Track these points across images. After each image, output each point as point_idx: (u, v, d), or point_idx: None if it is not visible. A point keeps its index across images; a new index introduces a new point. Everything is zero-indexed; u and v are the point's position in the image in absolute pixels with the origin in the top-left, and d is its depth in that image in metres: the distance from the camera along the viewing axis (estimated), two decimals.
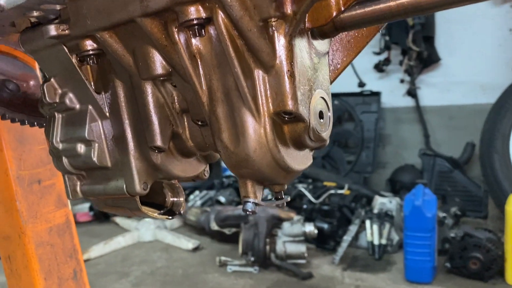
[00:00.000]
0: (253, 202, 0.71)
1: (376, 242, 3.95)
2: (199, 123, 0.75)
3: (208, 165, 0.94)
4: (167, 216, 0.90)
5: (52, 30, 0.71)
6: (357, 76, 5.59)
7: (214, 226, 4.32)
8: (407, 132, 5.58)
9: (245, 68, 0.63)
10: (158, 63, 0.70)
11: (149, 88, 0.74)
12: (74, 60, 0.76)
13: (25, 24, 0.79)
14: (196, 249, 4.33)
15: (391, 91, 5.54)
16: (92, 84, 0.79)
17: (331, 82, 0.76)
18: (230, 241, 4.31)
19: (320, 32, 0.67)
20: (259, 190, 0.72)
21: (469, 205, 4.59)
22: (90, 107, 0.80)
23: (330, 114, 0.72)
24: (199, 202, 5.23)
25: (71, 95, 0.81)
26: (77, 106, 0.81)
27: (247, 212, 0.71)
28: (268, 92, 0.64)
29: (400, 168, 5.34)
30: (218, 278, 3.75)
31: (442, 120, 5.35)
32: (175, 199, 0.92)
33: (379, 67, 5.40)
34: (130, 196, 0.82)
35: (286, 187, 0.76)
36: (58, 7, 0.71)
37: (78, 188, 0.88)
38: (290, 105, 0.63)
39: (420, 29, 4.80)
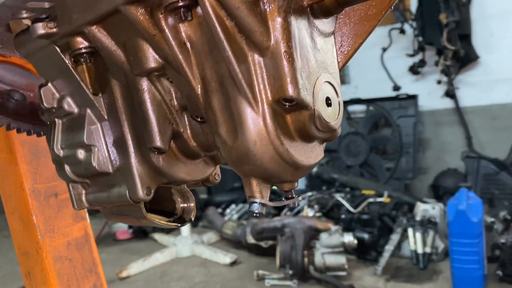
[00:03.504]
0: (259, 203, 0.64)
1: (420, 250, 3.76)
2: (198, 119, 0.70)
3: (218, 168, 0.88)
4: (176, 224, 0.85)
5: (40, 28, 0.68)
6: (392, 79, 5.43)
7: (251, 239, 4.25)
8: (448, 135, 5.35)
9: (238, 52, 0.57)
10: (150, 56, 0.65)
11: (144, 85, 0.69)
12: (67, 61, 0.72)
13: (20, 28, 0.77)
14: (233, 263, 4.27)
15: (429, 93, 5.35)
16: (89, 85, 0.75)
17: (341, 67, 0.69)
18: (267, 254, 4.22)
19: (321, 9, 0.60)
20: (266, 189, 0.65)
21: None
22: (88, 110, 0.76)
23: (340, 100, 0.64)
24: (235, 216, 5.18)
25: (69, 99, 0.77)
26: (76, 110, 0.78)
27: (254, 214, 0.65)
28: (265, 77, 0.58)
29: (443, 172, 5.12)
30: None
31: (485, 120, 5.11)
32: (185, 205, 0.87)
33: (414, 69, 5.23)
34: (134, 203, 0.77)
35: (296, 185, 0.69)
36: (46, 4, 0.68)
37: (83, 198, 0.84)
38: (289, 90, 0.56)
39: (455, 27, 4.62)
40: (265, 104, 0.58)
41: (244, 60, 0.57)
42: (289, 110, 0.59)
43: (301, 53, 0.58)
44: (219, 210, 5.44)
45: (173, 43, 0.60)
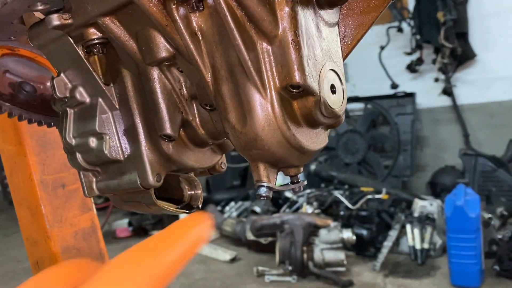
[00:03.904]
0: (267, 186, 0.67)
1: (418, 246, 3.80)
2: (208, 107, 0.72)
3: (225, 157, 0.91)
4: (184, 210, 0.88)
5: (55, 19, 0.70)
6: (390, 77, 5.47)
7: (250, 236, 4.27)
8: (446, 133, 5.39)
9: (247, 41, 0.59)
10: (161, 46, 0.68)
11: (155, 74, 0.72)
12: (80, 51, 0.75)
13: (32, 21, 0.79)
14: (233, 260, 4.30)
15: (426, 91, 5.39)
16: (101, 75, 0.77)
17: (345, 57, 0.72)
18: (266, 250, 4.25)
19: (326, 0, 0.63)
20: (273, 174, 0.68)
21: None
22: (100, 99, 0.79)
23: (344, 87, 0.67)
24: (235, 213, 5.21)
25: (81, 88, 0.80)
26: (88, 100, 0.80)
27: (261, 197, 0.67)
28: (273, 65, 0.60)
29: (440, 170, 5.15)
30: None
31: (482, 118, 5.15)
32: (193, 192, 0.89)
33: (412, 68, 5.27)
34: (144, 189, 0.80)
35: (302, 170, 0.72)
36: None
37: (94, 185, 0.86)
38: (296, 77, 0.59)
39: (452, 25, 4.65)
40: (273, 91, 0.61)
41: (253, 48, 0.60)
42: (296, 96, 0.62)
43: (308, 42, 0.61)
44: (219, 208, 5.47)
45: (184, 33, 0.63)
